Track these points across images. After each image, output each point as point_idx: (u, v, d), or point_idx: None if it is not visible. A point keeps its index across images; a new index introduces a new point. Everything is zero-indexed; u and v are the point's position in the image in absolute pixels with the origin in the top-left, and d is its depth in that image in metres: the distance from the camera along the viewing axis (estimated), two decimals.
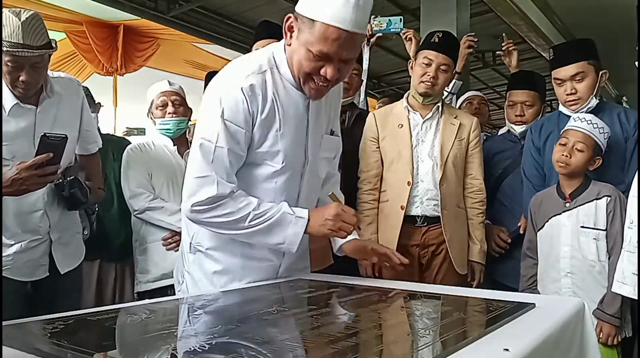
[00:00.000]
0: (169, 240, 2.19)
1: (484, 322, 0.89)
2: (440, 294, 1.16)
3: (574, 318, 0.98)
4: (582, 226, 1.86)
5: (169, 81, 2.39)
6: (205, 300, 1.13)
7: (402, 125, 2.19)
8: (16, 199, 1.69)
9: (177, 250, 2.12)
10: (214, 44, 5.50)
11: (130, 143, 2.47)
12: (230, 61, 5.95)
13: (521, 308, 0.98)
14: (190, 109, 2.42)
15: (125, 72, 4.98)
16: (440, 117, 2.21)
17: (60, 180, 1.85)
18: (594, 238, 1.84)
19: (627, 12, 4.80)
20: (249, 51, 2.18)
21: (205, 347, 0.75)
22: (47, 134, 1.58)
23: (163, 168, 2.25)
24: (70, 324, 0.90)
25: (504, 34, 2.80)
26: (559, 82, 2.08)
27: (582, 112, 2.03)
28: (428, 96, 2.17)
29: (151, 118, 2.31)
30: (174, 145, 2.29)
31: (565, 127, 1.96)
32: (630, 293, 1.57)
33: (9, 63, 1.68)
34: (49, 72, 1.88)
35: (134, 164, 2.25)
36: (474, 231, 2.22)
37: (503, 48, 2.78)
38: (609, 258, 1.82)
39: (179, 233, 2.12)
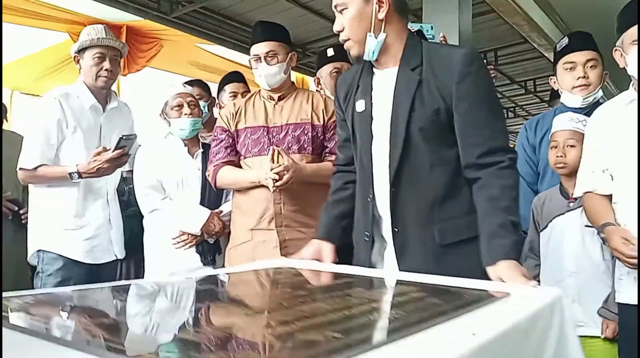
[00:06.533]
0: (177, 239, 2.21)
1: (455, 307, 0.89)
2: (417, 282, 1.16)
3: (548, 307, 0.97)
4: (587, 225, 1.86)
5: (184, 84, 2.43)
6: (187, 284, 1.17)
7: None
8: (81, 189, 2.20)
9: (185, 249, 2.20)
10: (217, 44, 5.51)
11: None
12: (233, 61, 5.93)
13: (495, 296, 1.00)
14: (202, 110, 2.45)
15: (128, 73, 4.98)
16: None
17: (122, 186, 2.33)
18: (600, 237, 1.85)
19: None
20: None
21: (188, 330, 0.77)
22: (123, 136, 2.11)
23: (173, 168, 2.28)
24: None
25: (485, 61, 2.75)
26: (570, 66, 2.10)
27: (588, 101, 2.07)
28: None
29: (165, 118, 2.34)
30: (185, 145, 2.32)
31: (551, 132, 1.99)
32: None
33: (95, 57, 2.22)
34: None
35: (145, 164, 2.29)
36: None
37: None
38: (612, 257, 1.82)
39: (186, 233, 2.20)
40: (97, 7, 4.46)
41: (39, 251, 2.18)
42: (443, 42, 2.62)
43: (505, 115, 9.03)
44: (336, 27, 1.43)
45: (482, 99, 1.36)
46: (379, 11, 1.39)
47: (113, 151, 2.10)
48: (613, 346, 1.81)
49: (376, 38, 1.39)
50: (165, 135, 2.37)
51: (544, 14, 5.18)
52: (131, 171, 2.38)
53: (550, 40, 5.36)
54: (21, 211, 2.56)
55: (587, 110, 2.08)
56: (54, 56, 4.96)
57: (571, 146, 1.92)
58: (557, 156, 1.93)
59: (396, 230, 1.39)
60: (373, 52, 1.41)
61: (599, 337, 1.83)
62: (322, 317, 0.83)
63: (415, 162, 1.37)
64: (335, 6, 1.41)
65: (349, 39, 1.42)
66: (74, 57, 2.29)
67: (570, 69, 2.09)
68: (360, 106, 1.47)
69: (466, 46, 1.45)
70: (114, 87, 2.40)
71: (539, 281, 1.99)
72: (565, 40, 2.15)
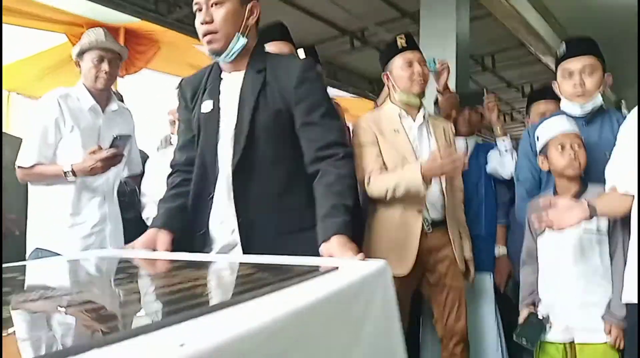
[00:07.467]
0: None
1: (281, 280, 0.92)
2: (250, 262, 1.20)
3: (373, 276, 1.01)
4: (585, 229, 1.85)
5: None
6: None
7: (397, 130, 2.16)
8: (77, 188, 2.21)
9: None
10: None
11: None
12: None
13: (324, 269, 1.05)
14: None
15: (125, 74, 4.98)
16: (427, 120, 2.23)
17: (123, 188, 2.33)
18: (597, 242, 1.85)
19: (626, 16, 4.82)
20: None
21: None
22: (116, 136, 2.15)
23: None
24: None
25: (485, 88, 2.71)
26: (567, 74, 2.07)
27: (587, 109, 2.04)
28: (422, 93, 2.20)
29: None
30: None
31: (553, 136, 1.95)
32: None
33: (94, 60, 2.25)
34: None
35: (149, 173, 2.40)
36: (462, 229, 2.29)
37: (484, 104, 2.56)
38: (611, 260, 1.82)
39: None
40: (95, 8, 4.45)
41: (36, 249, 2.19)
42: (440, 67, 2.60)
43: (503, 119, 9.03)
44: (206, 18, 1.47)
45: (317, 101, 1.50)
46: (249, 17, 1.50)
47: (107, 151, 2.12)
48: (616, 353, 1.78)
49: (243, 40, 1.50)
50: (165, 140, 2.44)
51: (540, 18, 5.20)
52: (130, 177, 2.42)
53: (547, 44, 5.37)
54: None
55: (588, 117, 2.06)
56: (51, 57, 4.96)
57: (579, 147, 1.90)
58: (570, 157, 1.89)
59: (240, 220, 1.47)
60: (233, 53, 1.50)
61: (601, 343, 1.80)
62: (149, 295, 0.90)
63: (256, 158, 1.48)
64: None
65: (216, 32, 1.48)
66: (75, 61, 2.33)
67: (568, 76, 2.07)
68: (206, 106, 1.55)
69: (304, 58, 1.60)
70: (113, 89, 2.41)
71: (536, 289, 1.98)
72: (563, 47, 2.14)
